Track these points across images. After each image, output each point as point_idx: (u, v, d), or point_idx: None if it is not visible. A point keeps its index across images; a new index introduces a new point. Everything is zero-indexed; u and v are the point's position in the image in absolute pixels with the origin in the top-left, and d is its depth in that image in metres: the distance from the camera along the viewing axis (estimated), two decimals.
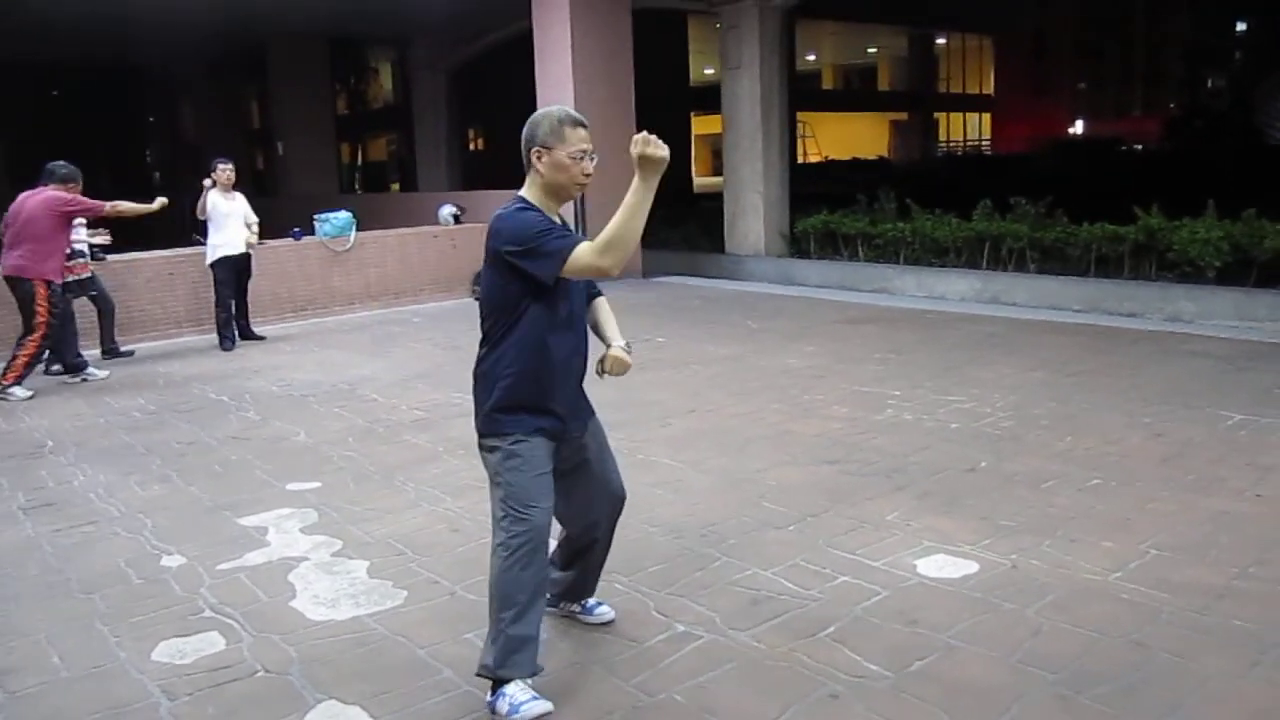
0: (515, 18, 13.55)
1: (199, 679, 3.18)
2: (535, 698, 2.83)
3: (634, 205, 2.69)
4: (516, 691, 2.82)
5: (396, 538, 4.32)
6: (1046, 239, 10.85)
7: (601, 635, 3.30)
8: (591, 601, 3.44)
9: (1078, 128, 42.88)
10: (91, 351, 8.71)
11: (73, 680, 3.21)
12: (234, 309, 9.50)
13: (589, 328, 3.17)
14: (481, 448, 3.00)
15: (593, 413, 3.19)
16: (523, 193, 2.92)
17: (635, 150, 2.65)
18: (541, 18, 12.69)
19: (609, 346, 3.17)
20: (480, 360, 2.97)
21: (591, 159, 2.91)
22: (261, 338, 9.74)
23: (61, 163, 7.89)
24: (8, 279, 7.70)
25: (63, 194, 7.67)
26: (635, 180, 2.67)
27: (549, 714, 2.82)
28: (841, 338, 8.52)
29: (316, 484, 5.12)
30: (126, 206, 7.87)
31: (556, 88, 12.40)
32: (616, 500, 3.25)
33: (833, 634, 3.29)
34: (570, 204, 2.72)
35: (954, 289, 11.23)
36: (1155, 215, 10.15)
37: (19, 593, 3.94)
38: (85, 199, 7.77)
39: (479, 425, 2.98)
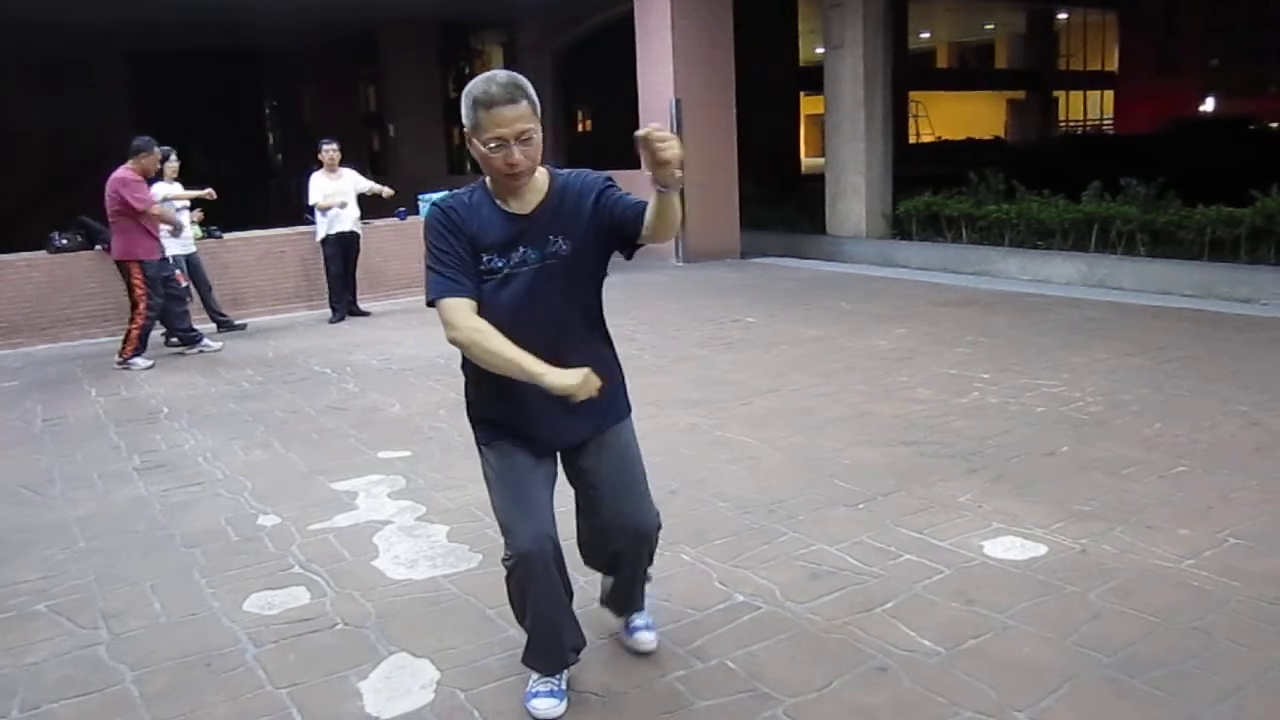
0: (618, 0, 13.66)
1: (283, 629, 3.39)
2: (551, 694, 2.80)
3: (515, 365, 2.44)
4: (536, 680, 2.84)
5: (477, 505, 4.48)
6: (1158, 222, 10.51)
7: (662, 604, 3.40)
8: (637, 621, 3.11)
9: (1207, 106, 41.02)
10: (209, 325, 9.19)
11: (170, 625, 3.47)
12: (343, 285, 9.88)
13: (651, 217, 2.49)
14: None
15: (612, 420, 2.79)
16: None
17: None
18: (643, 1, 12.77)
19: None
20: None
21: (522, 143, 2.43)
22: (367, 314, 10.11)
23: (144, 137, 7.95)
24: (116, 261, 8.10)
25: (126, 174, 7.76)
26: (529, 363, 2.41)
27: (554, 719, 2.78)
28: (934, 320, 8.43)
29: (406, 453, 5.35)
30: (159, 211, 7.86)
31: (657, 69, 12.48)
32: (635, 534, 2.83)
33: (889, 609, 3.33)
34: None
35: (1059, 272, 10.96)
36: (1275, 197, 9.74)
37: (129, 545, 4.25)
38: (133, 192, 7.71)
39: None
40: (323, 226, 9.64)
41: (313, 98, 31.56)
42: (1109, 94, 44.02)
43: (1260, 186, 9.91)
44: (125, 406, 6.75)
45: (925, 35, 39.35)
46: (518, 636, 3.18)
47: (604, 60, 20.80)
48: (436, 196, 11.38)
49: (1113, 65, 43.70)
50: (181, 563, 4.02)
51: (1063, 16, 41.86)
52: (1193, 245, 10.23)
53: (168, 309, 8.30)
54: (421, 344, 8.46)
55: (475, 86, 2.45)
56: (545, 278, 2.59)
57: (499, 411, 2.70)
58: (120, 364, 7.92)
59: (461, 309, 2.50)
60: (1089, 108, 43.76)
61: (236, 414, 6.39)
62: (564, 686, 2.85)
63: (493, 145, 2.43)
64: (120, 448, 5.75)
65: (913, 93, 33.46)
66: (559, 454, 2.82)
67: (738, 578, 3.60)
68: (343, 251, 9.75)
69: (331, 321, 9.79)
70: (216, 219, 10.39)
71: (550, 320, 2.60)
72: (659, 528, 2.89)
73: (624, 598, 3.06)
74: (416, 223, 11.39)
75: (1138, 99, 40.48)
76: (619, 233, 2.60)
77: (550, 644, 2.82)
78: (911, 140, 33.31)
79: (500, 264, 2.58)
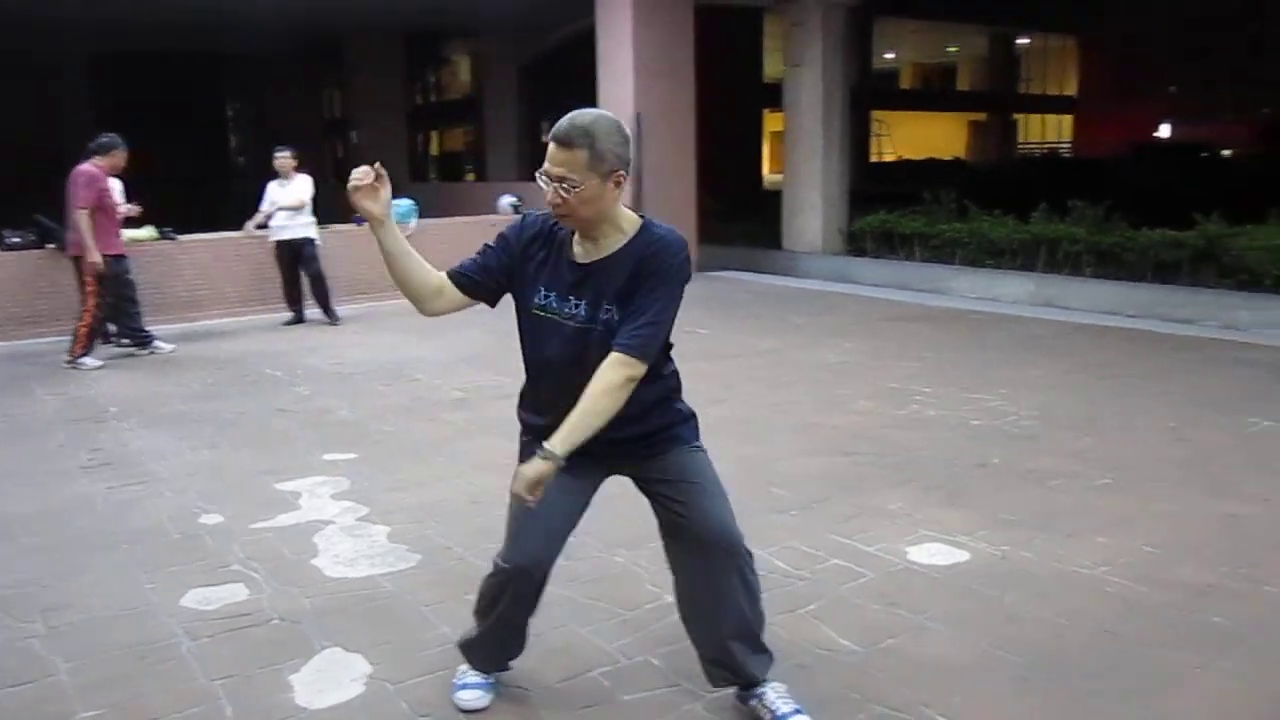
0: (583, 13, 13.78)
1: (219, 624, 3.44)
2: (479, 685, 2.87)
3: None
4: (468, 670, 2.91)
5: (419, 507, 4.56)
6: (1104, 243, 10.75)
7: (593, 603, 3.48)
8: (782, 707, 2.72)
9: (1163, 132, 41.80)
10: (165, 327, 9.17)
11: (107, 619, 3.50)
12: (294, 289, 9.88)
13: None
14: None
15: (678, 440, 2.70)
16: None
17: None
18: (604, 14, 12.90)
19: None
20: None
21: (564, 189, 2.37)
22: (301, 321, 9.97)
23: (111, 135, 7.94)
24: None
25: (90, 169, 7.73)
26: None
27: (478, 710, 2.84)
28: (883, 335, 8.59)
29: (353, 455, 5.40)
30: (86, 224, 7.67)
31: (618, 82, 12.60)
32: (723, 538, 2.66)
33: (813, 611, 3.43)
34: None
35: (1008, 291, 11.17)
36: (1215, 222, 10.01)
37: (70, 541, 4.27)
38: (89, 187, 7.63)
39: None
40: (272, 233, 9.70)
41: (277, 103, 31.43)
42: (1068, 118, 44.75)
43: (1206, 211, 10.18)
44: (73, 405, 6.74)
45: (890, 56, 39.83)
46: (451, 633, 3.26)
47: (571, 73, 20.92)
48: (400, 203, 11.40)
49: (1072, 90, 44.45)
50: (122, 560, 4.05)
51: (1024, 41, 42.56)
52: (1137, 267, 10.48)
53: (120, 309, 8.29)
54: (376, 349, 8.50)
55: (567, 116, 2.41)
56: (594, 340, 2.50)
57: (541, 422, 2.62)
58: (69, 364, 7.88)
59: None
60: (1048, 130, 44.45)
61: (185, 415, 6.40)
62: (491, 680, 2.92)
63: (542, 176, 2.42)
64: (66, 446, 5.75)
65: (876, 112, 33.83)
66: (641, 489, 2.74)
67: (669, 580, 3.65)
68: (288, 256, 9.74)
69: (286, 324, 9.80)
70: (175, 221, 10.36)
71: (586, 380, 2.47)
72: (748, 552, 2.71)
73: (729, 650, 2.71)
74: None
75: (1096, 123, 41.16)
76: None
77: (497, 648, 2.90)
78: (874, 159, 33.68)
79: (555, 305, 2.54)
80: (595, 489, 2.75)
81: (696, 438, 2.76)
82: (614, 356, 2.44)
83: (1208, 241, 9.93)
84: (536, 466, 2.42)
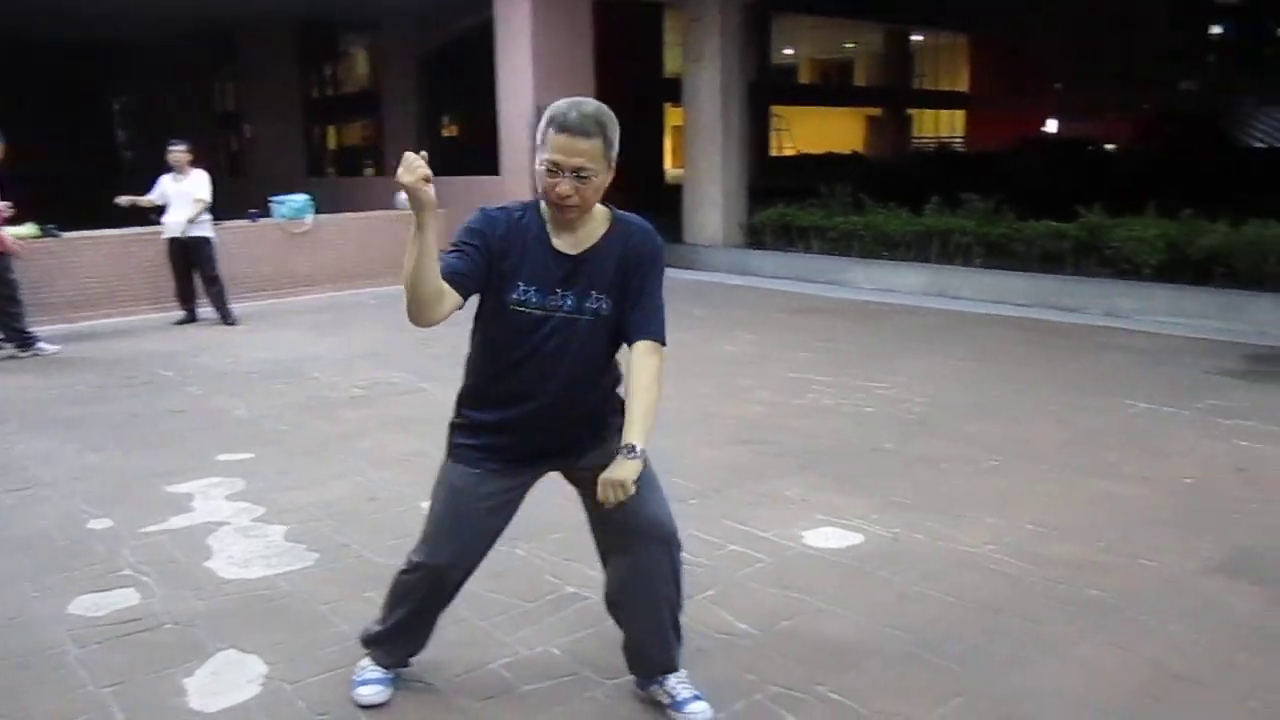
0: (483, 6, 13.69)
1: (108, 630, 3.35)
2: (379, 680, 2.86)
3: (407, 245, 2.28)
4: (369, 666, 2.90)
5: (317, 505, 4.50)
6: (993, 235, 11.09)
7: (494, 596, 3.49)
8: (682, 691, 2.77)
9: (1051, 127, 43.24)
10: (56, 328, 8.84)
11: None
12: (186, 288, 9.62)
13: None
14: None
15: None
16: None
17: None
18: (503, 8, 12.84)
19: (617, 451, 2.44)
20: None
21: (576, 179, 2.34)
22: (194, 320, 9.71)
23: None
24: None
25: None
26: None
27: (378, 705, 2.83)
28: (783, 327, 8.75)
29: (248, 455, 5.29)
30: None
31: (517, 76, 12.57)
32: (661, 531, 2.67)
33: (711, 596, 3.50)
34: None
35: (904, 282, 11.45)
36: (1097, 213, 10.41)
37: None
38: None
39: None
40: (164, 230, 9.41)
41: (165, 96, 30.49)
42: (960, 113, 45.97)
43: (1088, 203, 10.58)
44: None
45: (788, 51, 40.39)
46: (350, 631, 3.23)
47: (471, 66, 20.75)
48: (295, 199, 11.17)
49: (964, 86, 45.67)
50: (4, 569, 3.91)
51: (918, 38, 43.59)
52: (1025, 257, 10.84)
53: (1, 309, 7.98)
54: (272, 347, 8.33)
55: (560, 105, 2.37)
56: (580, 330, 2.49)
57: (499, 417, 2.57)
58: None
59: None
60: (942, 126, 45.60)
61: (72, 418, 6.19)
62: (391, 675, 2.91)
63: (547, 168, 2.35)
64: None
65: (775, 107, 34.29)
66: (570, 481, 2.72)
67: (569, 571, 3.72)
68: (179, 255, 9.47)
69: (177, 323, 9.54)
70: (59, 219, 9.99)
71: (576, 374, 2.53)
72: (679, 541, 2.74)
73: (645, 641, 2.79)
74: (267, 225, 11.18)
75: (987, 119, 42.37)
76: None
77: (404, 643, 2.90)
78: (774, 153, 34.14)
79: (536, 299, 2.47)
80: (527, 491, 2.73)
81: None
82: (647, 345, 2.50)
83: (1089, 232, 10.32)
84: (634, 466, 2.40)
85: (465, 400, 2.66)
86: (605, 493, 2.41)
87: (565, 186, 2.34)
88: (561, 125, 2.32)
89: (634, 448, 2.42)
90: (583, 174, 2.34)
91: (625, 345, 2.57)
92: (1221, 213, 9.77)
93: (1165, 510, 4.29)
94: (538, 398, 2.52)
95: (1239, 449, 5.11)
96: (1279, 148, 31.23)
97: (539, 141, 2.38)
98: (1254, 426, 5.48)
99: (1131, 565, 3.74)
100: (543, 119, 2.38)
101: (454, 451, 2.66)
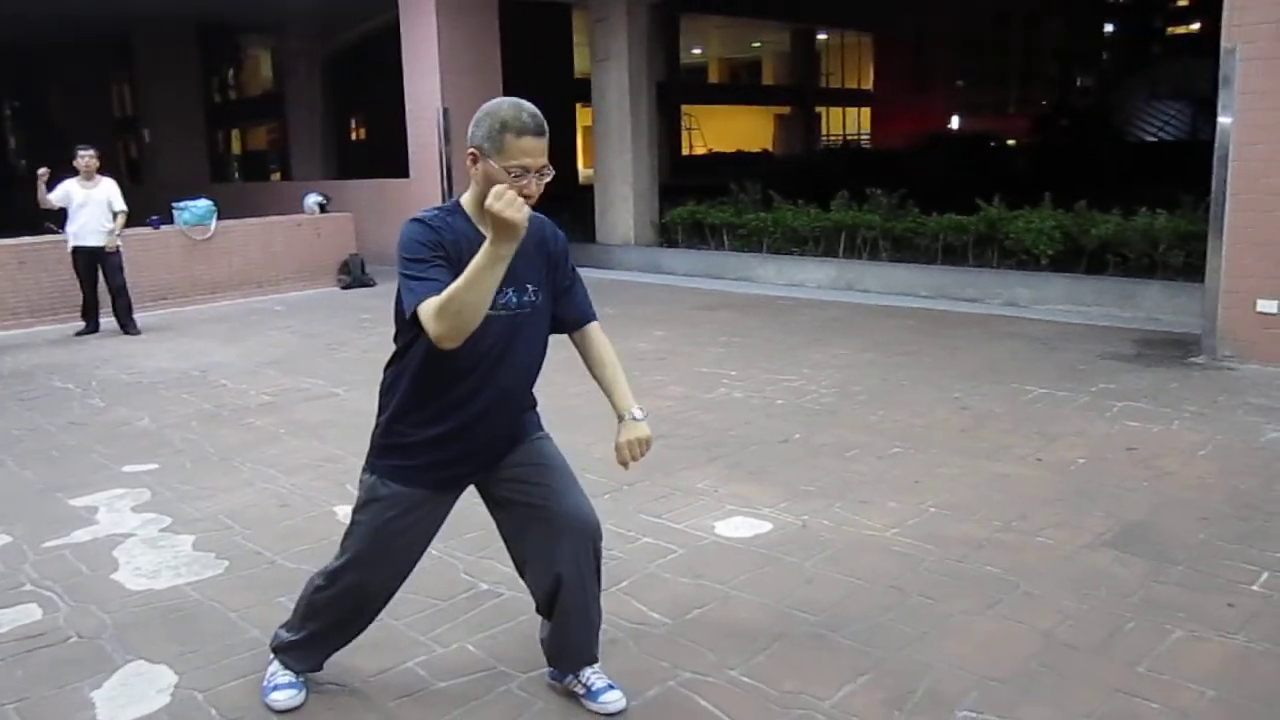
0: (387, 6, 13.56)
1: (11, 646, 3.28)
2: (291, 685, 2.86)
3: (477, 270, 2.19)
4: (279, 670, 2.90)
5: (226, 513, 4.44)
6: (898, 229, 11.37)
7: (409, 595, 3.48)
8: (596, 682, 2.82)
9: (954, 124, 44.32)
10: None
11: None
12: (95, 299, 9.37)
13: (594, 376, 2.79)
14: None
15: (533, 431, 2.76)
16: (464, 196, 2.52)
17: (488, 205, 2.15)
18: (408, 8, 12.74)
19: (621, 418, 2.69)
20: (385, 372, 2.65)
21: (541, 175, 2.38)
22: (96, 330, 9.49)
23: None
24: None
25: None
26: (485, 242, 2.20)
27: (292, 710, 2.83)
28: (694, 323, 8.86)
29: (154, 465, 5.20)
30: None
31: (424, 78, 12.49)
32: (585, 526, 2.74)
33: (624, 588, 3.56)
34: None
35: (812, 277, 11.68)
36: (996, 206, 10.74)
37: None
38: None
39: (371, 439, 2.70)
40: (69, 238, 9.14)
41: (60, 99, 29.51)
42: (866, 110, 46.85)
43: (989, 197, 10.90)
44: None
45: (697, 51, 40.72)
46: (260, 636, 3.21)
47: (377, 68, 20.52)
48: (198, 204, 10.93)
49: (869, 84, 46.55)
50: None
51: (823, 37, 44.29)
52: (928, 250, 11.13)
53: None
54: (177, 356, 8.17)
55: (504, 110, 2.35)
56: (520, 324, 2.54)
57: (438, 432, 2.56)
58: None
59: (430, 303, 2.29)
60: (849, 123, 46.42)
61: None
62: (302, 679, 2.91)
63: (516, 173, 2.33)
64: None
65: (685, 106, 34.56)
66: (484, 490, 2.75)
67: (483, 568, 3.75)
68: (89, 265, 9.23)
69: (78, 334, 9.29)
70: None
71: (518, 370, 2.59)
72: (601, 535, 2.80)
73: (575, 638, 2.81)
74: (169, 232, 10.93)
75: (892, 116, 43.28)
76: (554, 316, 2.68)
77: (321, 651, 2.90)
78: (685, 152, 34.40)
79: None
80: (451, 507, 2.77)
81: (541, 427, 2.82)
82: (595, 326, 2.78)
83: (989, 225, 10.64)
84: (645, 425, 2.72)
85: (400, 417, 2.60)
86: (631, 451, 2.68)
87: (534, 186, 2.37)
88: (520, 129, 2.34)
89: (636, 412, 2.70)
90: (544, 171, 2.39)
91: (567, 332, 2.74)
92: (1114, 204, 10.17)
93: (1059, 489, 4.48)
94: (482, 399, 2.54)
95: (1129, 429, 5.34)
96: (1168, 141, 32.46)
97: (488, 148, 2.36)
98: (1143, 408, 5.73)
99: (1027, 542, 3.90)
100: (484, 125, 2.37)
101: (385, 471, 2.64)
